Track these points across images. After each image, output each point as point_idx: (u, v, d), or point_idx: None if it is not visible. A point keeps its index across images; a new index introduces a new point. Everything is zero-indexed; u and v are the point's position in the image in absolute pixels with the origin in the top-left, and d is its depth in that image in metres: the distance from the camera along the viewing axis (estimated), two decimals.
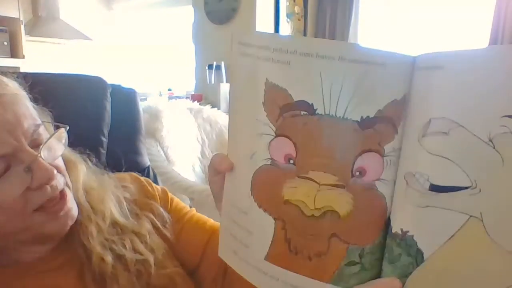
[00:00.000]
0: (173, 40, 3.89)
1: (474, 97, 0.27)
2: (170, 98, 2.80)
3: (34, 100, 0.49)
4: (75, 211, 0.47)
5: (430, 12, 2.62)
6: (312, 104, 0.30)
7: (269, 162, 0.33)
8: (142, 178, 0.62)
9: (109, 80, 0.82)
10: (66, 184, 0.47)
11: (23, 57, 3.20)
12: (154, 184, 0.62)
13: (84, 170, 0.53)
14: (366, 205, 0.31)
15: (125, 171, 0.63)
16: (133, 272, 0.48)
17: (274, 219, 0.34)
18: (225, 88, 2.65)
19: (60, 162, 0.47)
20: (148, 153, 1.02)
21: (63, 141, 0.48)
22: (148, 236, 0.52)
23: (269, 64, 0.31)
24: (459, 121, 0.27)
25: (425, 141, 0.28)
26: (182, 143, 1.84)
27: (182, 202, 0.63)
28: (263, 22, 2.72)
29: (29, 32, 3.29)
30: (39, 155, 0.42)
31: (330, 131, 0.30)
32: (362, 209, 0.31)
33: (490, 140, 0.26)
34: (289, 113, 0.31)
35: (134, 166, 0.80)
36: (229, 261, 0.39)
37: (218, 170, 0.37)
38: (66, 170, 0.49)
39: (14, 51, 3.18)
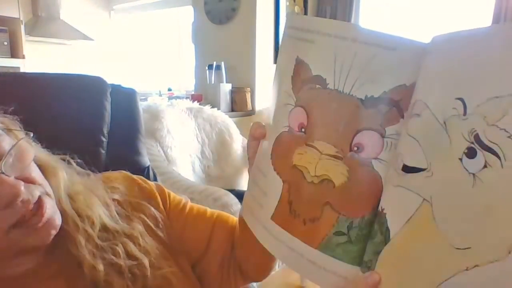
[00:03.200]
0: (173, 40, 3.89)
1: (439, 80, 0.27)
2: (170, 98, 2.80)
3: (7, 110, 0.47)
4: (57, 220, 0.44)
5: (430, 12, 2.62)
6: (325, 79, 0.32)
7: (286, 130, 0.36)
8: (135, 176, 0.60)
9: (109, 80, 0.82)
10: (46, 193, 0.44)
11: (23, 57, 3.19)
12: (148, 181, 0.61)
13: (65, 175, 0.50)
14: (359, 180, 0.32)
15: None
16: (127, 277, 0.47)
17: (283, 181, 0.36)
18: (225, 88, 2.65)
19: (32, 172, 0.44)
20: (148, 153, 1.02)
21: (31, 148, 0.45)
22: (140, 238, 0.51)
23: (300, 42, 0.35)
24: (427, 103, 0.28)
25: (407, 122, 0.29)
26: (182, 143, 1.84)
27: (176, 195, 0.63)
28: (263, 22, 2.72)
29: (29, 32, 3.29)
30: (0, 171, 0.39)
31: (336, 105, 0.32)
32: (355, 183, 0.32)
33: (444, 122, 0.26)
34: (307, 86, 0.34)
35: (134, 166, 0.80)
36: (246, 218, 0.42)
37: (253, 136, 0.41)
38: (46, 177, 0.47)
39: (14, 51, 3.18)
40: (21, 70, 3.05)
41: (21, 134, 0.47)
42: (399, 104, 0.31)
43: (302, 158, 0.34)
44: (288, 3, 2.90)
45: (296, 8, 2.96)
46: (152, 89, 3.56)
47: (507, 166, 0.23)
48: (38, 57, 3.43)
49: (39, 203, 0.42)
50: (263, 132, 0.40)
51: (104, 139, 0.77)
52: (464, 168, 0.25)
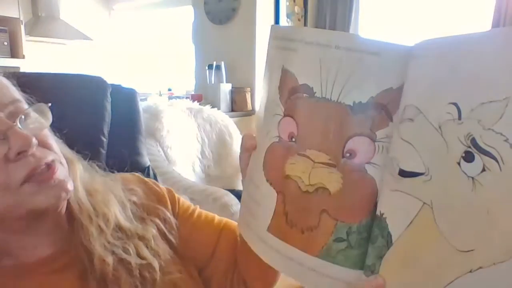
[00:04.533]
0: (173, 40, 3.89)
1: (431, 84, 0.27)
2: (170, 98, 2.80)
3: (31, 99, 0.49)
4: (69, 185, 0.45)
5: (430, 12, 2.62)
6: (312, 87, 0.33)
7: (277, 140, 0.36)
8: (147, 179, 0.61)
9: (109, 80, 0.82)
10: (60, 162, 0.46)
11: (23, 57, 3.19)
12: (159, 185, 0.62)
13: (81, 167, 0.52)
14: (354, 185, 0.32)
15: (126, 171, 0.63)
16: (137, 277, 0.48)
17: (277, 192, 0.36)
18: (225, 88, 2.65)
19: (49, 139, 0.46)
20: (148, 153, 1.02)
21: (48, 118, 0.47)
22: (152, 241, 0.52)
23: (285, 52, 0.35)
24: (420, 108, 0.28)
25: (400, 127, 0.30)
26: (182, 143, 1.84)
27: (186, 200, 0.63)
28: (263, 22, 2.72)
29: (29, 32, 3.29)
30: (14, 123, 0.41)
31: (325, 113, 0.32)
32: (350, 188, 0.32)
33: (439, 127, 0.27)
34: (294, 95, 0.34)
35: (134, 166, 0.80)
36: (243, 232, 0.42)
37: (244, 148, 0.41)
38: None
39: (14, 51, 3.18)
40: (21, 70, 3.05)
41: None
42: (387, 107, 0.31)
43: (295, 168, 0.34)
44: (288, 3, 2.90)
45: (296, 8, 2.96)
46: (152, 89, 3.56)
47: (505, 169, 0.23)
48: (38, 57, 3.42)
49: (50, 165, 0.44)
50: (254, 143, 0.40)
51: (104, 139, 0.77)
52: (463, 172, 0.25)
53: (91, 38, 3.66)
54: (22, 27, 3.16)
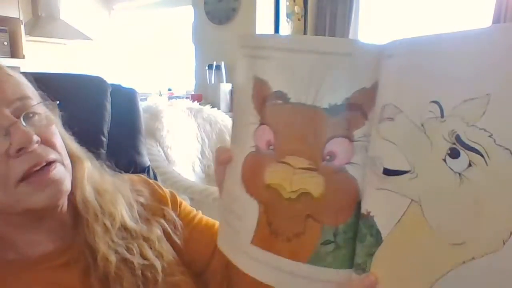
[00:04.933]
0: (173, 40, 3.89)
1: (410, 83, 0.28)
2: (170, 98, 2.80)
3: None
4: (65, 185, 0.45)
5: (430, 12, 2.62)
6: (286, 93, 0.32)
7: (254, 149, 0.35)
8: (151, 181, 0.62)
9: (109, 80, 0.82)
10: (62, 162, 0.46)
11: (23, 57, 3.19)
12: (163, 187, 0.62)
13: (90, 166, 0.53)
14: (337, 187, 0.32)
15: (127, 171, 0.62)
16: (139, 277, 0.48)
17: (258, 203, 0.35)
18: (225, 88, 2.65)
19: (53, 137, 0.46)
20: (148, 153, 1.02)
21: (55, 115, 0.47)
22: (157, 242, 0.52)
23: (256, 60, 0.35)
24: (400, 107, 0.28)
25: (380, 126, 0.30)
26: (182, 143, 1.84)
27: (188, 205, 0.63)
28: (263, 22, 2.72)
29: (29, 32, 3.29)
30: (18, 120, 0.42)
31: (301, 118, 0.32)
32: (333, 191, 0.32)
33: (422, 125, 0.27)
34: (269, 103, 0.34)
35: (134, 166, 0.80)
36: (224, 249, 0.41)
37: (218, 162, 0.40)
38: (72, 164, 0.49)
39: (14, 51, 3.18)
40: (21, 70, 3.05)
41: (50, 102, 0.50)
42: (362, 107, 0.31)
43: (276, 176, 0.34)
44: (288, 3, 2.90)
45: (296, 8, 2.96)
46: (152, 89, 3.56)
47: (491, 163, 0.24)
48: (38, 57, 3.42)
49: (50, 163, 0.44)
50: (229, 156, 0.39)
51: (104, 139, 0.77)
52: (449, 168, 0.26)
53: (91, 38, 3.66)
54: (22, 27, 3.16)
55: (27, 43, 3.24)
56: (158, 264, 0.50)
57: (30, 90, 0.48)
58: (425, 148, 0.27)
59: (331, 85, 0.31)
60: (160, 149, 1.73)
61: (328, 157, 0.32)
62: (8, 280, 0.45)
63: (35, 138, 0.42)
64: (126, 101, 0.83)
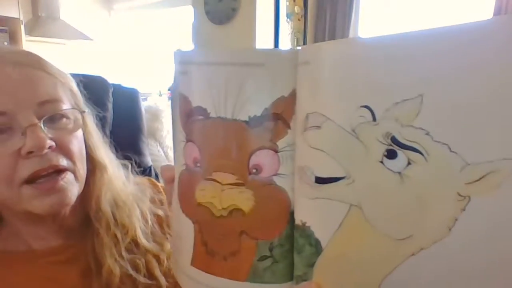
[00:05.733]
0: (173, 40, 3.89)
1: (336, 90, 0.28)
2: (170, 98, 2.80)
3: None
4: (69, 198, 0.44)
5: (431, 12, 2.62)
6: (205, 108, 0.32)
7: (184, 167, 0.35)
8: (159, 185, 0.61)
9: (109, 80, 0.82)
10: (74, 172, 0.45)
11: None
12: None
13: (114, 177, 0.52)
14: (267, 200, 0.32)
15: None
16: None
17: (193, 222, 0.35)
18: None
19: (72, 146, 0.45)
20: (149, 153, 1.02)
21: (79, 125, 0.47)
22: (166, 260, 0.51)
23: (180, 76, 0.34)
24: (327, 115, 0.28)
25: (306, 135, 0.29)
26: None
27: None
28: (263, 22, 2.72)
29: (29, 32, 3.29)
30: (38, 123, 0.42)
31: (223, 133, 0.31)
32: (264, 204, 0.32)
33: (353, 130, 0.27)
34: (191, 119, 0.33)
35: (136, 166, 0.80)
36: (174, 271, 0.40)
37: (164, 180, 0.39)
38: (93, 171, 0.49)
39: None
40: None
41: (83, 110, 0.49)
42: (282, 116, 0.31)
43: (205, 194, 0.33)
44: (288, 3, 2.90)
45: (296, 8, 2.96)
46: (152, 89, 3.56)
47: (431, 159, 0.25)
48: None
49: (61, 171, 0.44)
50: (170, 175, 0.38)
51: (106, 139, 0.77)
52: (388, 168, 0.26)
53: (91, 38, 3.66)
54: (22, 27, 3.16)
55: (27, 43, 3.23)
56: (164, 282, 0.49)
57: (67, 92, 0.47)
58: (360, 152, 0.27)
59: (248, 97, 0.30)
60: (160, 149, 1.73)
61: (254, 170, 0.31)
62: (7, 272, 0.45)
63: (48, 144, 0.42)
64: (128, 101, 0.83)
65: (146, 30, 4.13)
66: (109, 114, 0.79)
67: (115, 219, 0.50)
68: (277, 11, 2.82)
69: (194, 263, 0.35)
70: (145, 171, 0.83)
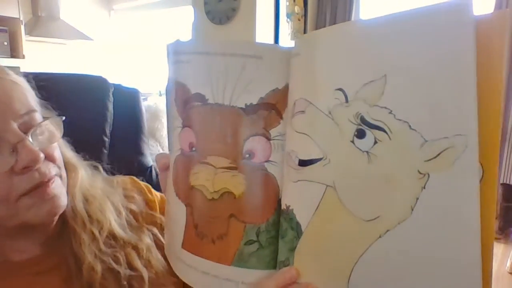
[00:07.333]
0: (172, 40, 3.89)
1: (315, 76, 0.30)
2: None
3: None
4: (61, 201, 0.45)
5: None
6: (204, 95, 0.34)
7: (179, 152, 0.36)
8: (142, 184, 0.60)
9: (109, 80, 0.82)
10: (60, 175, 0.46)
11: (23, 57, 3.19)
12: (154, 191, 0.60)
13: (83, 175, 0.52)
14: (257, 185, 0.33)
15: (125, 174, 0.62)
16: (125, 287, 0.47)
17: (185, 205, 0.36)
18: None
19: (55, 151, 0.46)
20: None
21: (59, 131, 0.47)
22: (145, 251, 0.51)
23: (178, 65, 0.37)
24: (309, 100, 0.30)
25: (293, 121, 0.31)
26: None
27: None
28: (263, 22, 2.72)
29: (29, 32, 3.28)
30: (26, 137, 0.41)
31: (220, 118, 0.33)
32: (254, 189, 0.33)
33: (330, 113, 0.29)
34: (189, 105, 0.35)
35: (137, 166, 0.80)
36: (168, 255, 0.41)
37: (159, 168, 0.40)
38: (66, 173, 0.48)
39: (14, 51, 3.17)
40: (21, 70, 3.04)
41: (53, 115, 0.49)
42: (276, 107, 0.33)
43: (199, 177, 0.34)
44: (288, 3, 2.89)
45: (296, 8, 2.96)
46: (152, 89, 3.56)
47: (394, 137, 0.26)
48: (38, 57, 3.42)
49: (51, 180, 0.44)
50: (167, 162, 0.39)
51: (106, 139, 0.77)
52: (358, 148, 0.28)
53: (91, 38, 3.65)
54: (22, 27, 3.16)
55: (27, 43, 3.23)
56: (145, 274, 0.48)
57: (34, 99, 0.47)
58: (335, 133, 0.28)
59: (246, 86, 0.32)
60: (160, 149, 1.73)
61: (247, 155, 0.33)
62: None
63: (42, 156, 0.42)
64: (128, 101, 0.83)
65: (146, 30, 4.12)
66: (110, 114, 0.79)
67: (89, 216, 0.49)
68: (277, 11, 2.82)
69: (184, 245, 0.36)
70: (146, 170, 0.83)
